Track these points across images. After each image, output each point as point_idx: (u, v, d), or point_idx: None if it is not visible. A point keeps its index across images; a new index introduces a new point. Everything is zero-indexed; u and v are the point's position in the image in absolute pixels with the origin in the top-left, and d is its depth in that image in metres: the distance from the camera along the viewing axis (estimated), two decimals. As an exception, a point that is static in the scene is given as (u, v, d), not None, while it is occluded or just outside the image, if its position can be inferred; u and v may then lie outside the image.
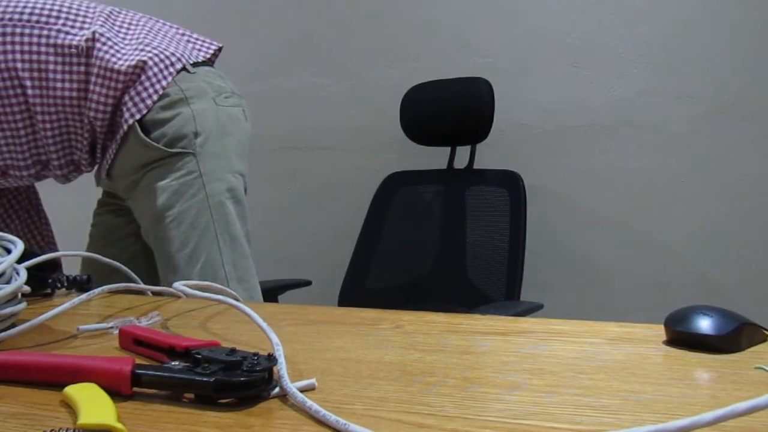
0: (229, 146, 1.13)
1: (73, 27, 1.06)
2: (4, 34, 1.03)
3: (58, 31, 1.05)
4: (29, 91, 1.04)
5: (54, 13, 1.06)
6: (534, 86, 1.90)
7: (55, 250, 1.31)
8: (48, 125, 1.06)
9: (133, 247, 1.17)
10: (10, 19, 1.03)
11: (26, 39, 1.04)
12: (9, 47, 1.03)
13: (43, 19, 1.05)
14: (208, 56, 1.20)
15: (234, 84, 1.22)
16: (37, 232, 1.27)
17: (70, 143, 1.10)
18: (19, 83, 1.03)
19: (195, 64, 1.14)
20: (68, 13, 1.07)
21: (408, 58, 2.01)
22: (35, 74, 1.04)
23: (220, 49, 1.23)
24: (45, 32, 1.04)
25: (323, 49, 2.09)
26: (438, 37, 1.98)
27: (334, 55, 2.08)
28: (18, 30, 1.03)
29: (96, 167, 1.20)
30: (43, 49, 1.04)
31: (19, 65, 1.03)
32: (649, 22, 1.81)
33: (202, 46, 1.21)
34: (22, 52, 1.03)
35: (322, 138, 2.10)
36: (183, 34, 1.20)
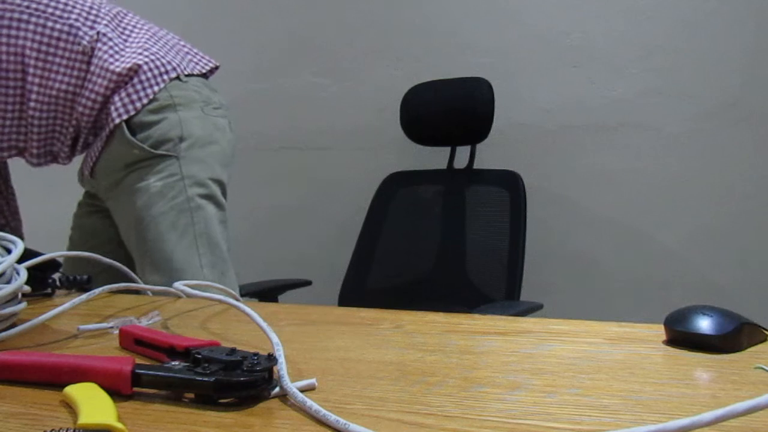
0: (212, 154, 1.14)
1: (84, 24, 1.08)
2: (19, 20, 1.05)
3: (71, 26, 1.07)
4: (29, 78, 1.06)
5: (69, 7, 1.08)
6: (534, 86, 1.90)
7: (20, 223, 1.30)
8: (38, 113, 1.07)
9: (114, 254, 1.17)
10: (27, 7, 1.05)
11: (39, 29, 1.06)
12: (22, 33, 1.05)
13: (58, 12, 1.07)
14: (204, 72, 1.22)
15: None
16: (4, 202, 1.26)
17: (53, 134, 1.11)
18: (21, 68, 1.05)
19: (188, 75, 1.16)
20: (82, 8, 1.09)
21: (408, 58, 2.01)
22: (39, 64, 1.06)
23: (216, 68, 1.26)
24: (58, 26, 1.06)
25: (323, 49, 2.09)
26: (438, 37, 1.98)
27: (334, 55, 2.08)
28: (33, 19, 1.05)
29: (80, 165, 1.21)
30: (53, 42, 1.06)
31: (27, 52, 1.05)
32: (649, 22, 1.81)
33: (200, 61, 1.23)
34: (33, 40, 1.05)
35: (322, 138, 2.10)
36: (183, 46, 1.23)
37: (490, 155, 1.87)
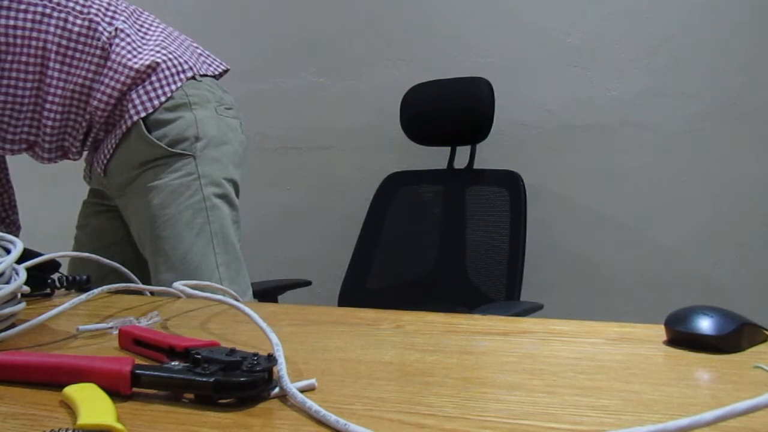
0: (226, 154, 1.15)
1: (103, 19, 1.09)
2: (42, 14, 1.05)
3: (90, 21, 1.07)
4: (49, 73, 1.06)
5: (88, 1, 1.09)
6: (534, 86, 1.90)
7: (17, 216, 1.30)
8: (54, 107, 1.08)
9: (122, 254, 1.16)
10: (50, 0, 1.06)
11: (61, 24, 1.06)
12: (44, 27, 1.05)
13: (78, 7, 1.07)
14: (216, 73, 1.23)
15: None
16: (6, 197, 1.26)
17: (66, 129, 1.11)
18: (41, 63, 1.06)
19: (203, 76, 1.17)
20: (100, 2, 1.10)
21: (408, 58, 2.01)
22: (59, 58, 1.06)
23: (226, 71, 1.27)
24: (78, 21, 1.07)
25: (323, 49, 2.09)
26: (438, 37, 1.98)
27: (334, 55, 2.08)
28: (55, 14, 1.06)
29: (87, 163, 1.20)
30: (74, 37, 1.06)
31: (48, 46, 1.05)
32: (649, 22, 1.81)
33: (212, 62, 1.24)
34: (54, 35, 1.06)
35: (322, 138, 2.10)
36: (197, 48, 1.24)
37: (490, 155, 1.87)
